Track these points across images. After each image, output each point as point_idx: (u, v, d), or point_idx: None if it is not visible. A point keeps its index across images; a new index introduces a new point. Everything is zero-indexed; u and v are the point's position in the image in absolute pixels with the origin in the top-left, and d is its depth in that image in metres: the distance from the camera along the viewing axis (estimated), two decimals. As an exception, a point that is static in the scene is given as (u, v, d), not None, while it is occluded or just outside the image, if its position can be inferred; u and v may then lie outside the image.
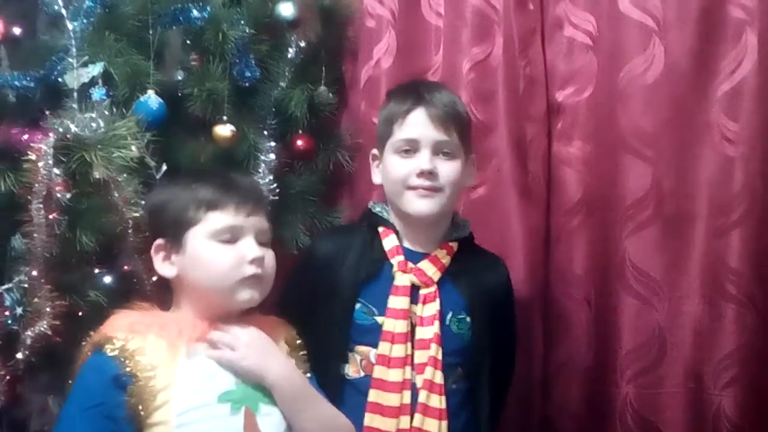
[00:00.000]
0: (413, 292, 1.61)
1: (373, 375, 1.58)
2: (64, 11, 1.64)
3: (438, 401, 1.56)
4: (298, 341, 1.54)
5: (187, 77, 1.81)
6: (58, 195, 1.49)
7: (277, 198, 1.90)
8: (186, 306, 1.44)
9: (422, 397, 1.55)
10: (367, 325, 1.61)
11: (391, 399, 1.56)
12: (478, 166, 1.86)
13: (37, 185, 1.46)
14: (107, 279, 1.61)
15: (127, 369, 1.30)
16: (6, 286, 1.52)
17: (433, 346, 1.57)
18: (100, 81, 1.64)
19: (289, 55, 1.95)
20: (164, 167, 1.67)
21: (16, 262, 1.52)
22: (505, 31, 2.00)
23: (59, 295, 1.52)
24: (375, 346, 1.59)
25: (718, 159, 1.85)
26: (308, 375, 1.51)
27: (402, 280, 1.61)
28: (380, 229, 1.68)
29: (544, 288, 2.00)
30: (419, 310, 1.60)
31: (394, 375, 1.56)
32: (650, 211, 1.89)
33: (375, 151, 1.72)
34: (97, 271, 1.61)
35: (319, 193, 2.05)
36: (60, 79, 1.63)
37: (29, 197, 1.46)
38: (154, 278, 1.55)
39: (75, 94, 1.61)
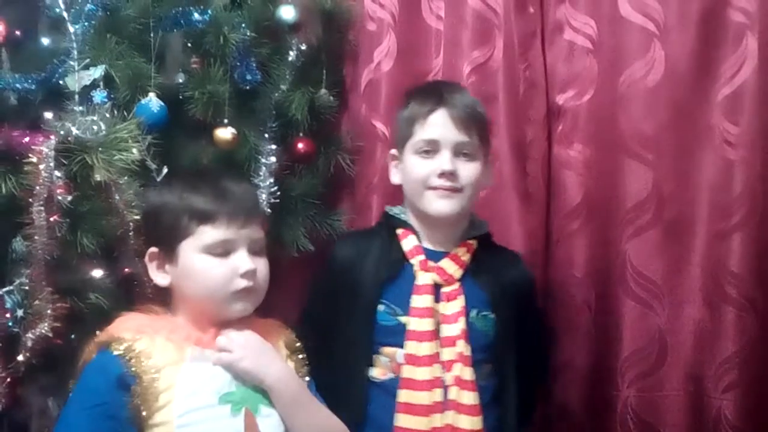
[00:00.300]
0: (435, 290, 1.61)
1: (401, 375, 1.58)
2: (65, 14, 1.64)
3: (470, 397, 1.56)
4: (297, 344, 1.54)
5: (188, 80, 1.81)
6: (59, 197, 1.49)
7: (277, 201, 1.90)
8: (182, 313, 1.44)
9: (453, 393, 1.55)
10: (392, 325, 1.62)
11: (422, 398, 1.56)
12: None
13: (38, 188, 1.46)
14: (108, 281, 1.61)
15: (132, 369, 1.30)
16: (7, 289, 1.52)
17: (460, 342, 1.58)
18: (101, 84, 1.65)
19: (290, 58, 1.95)
20: (165, 170, 1.68)
21: (17, 264, 1.52)
22: (506, 34, 2.00)
23: (60, 298, 1.52)
24: (401, 346, 1.60)
25: (718, 162, 1.85)
26: (307, 379, 1.51)
27: (424, 278, 1.62)
28: (399, 231, 1.69)
29: (544, 291, 1.99)
30: (443, 308, 1.60)
31: (423, 373, 1.56)
32: (651, 214, 1.89)
33: (394, 151, 1.72)
34: (97, 273, 1.61)
35: (319, 195, 2.05)
36: (61, 82, 1.63)
37: (30, 200, 1.46)
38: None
39: (76, 97, 1.61)
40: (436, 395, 1.56)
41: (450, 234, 1.67)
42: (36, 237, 1.47)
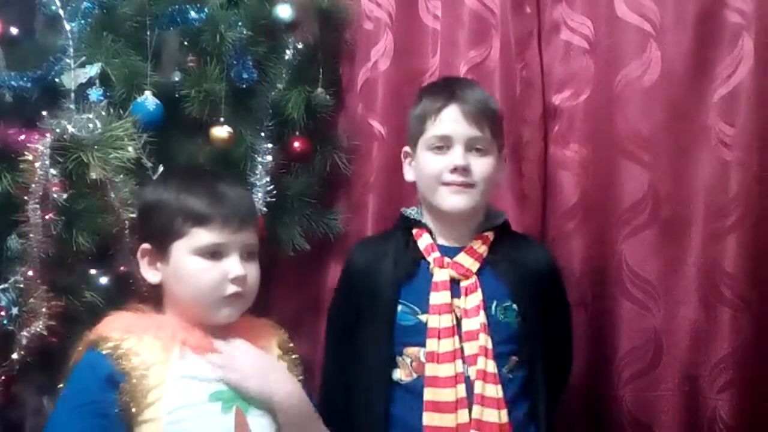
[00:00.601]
0: (454, 286, 1.60)
1: (425, 374, 1.57)
2: (61, 12, 1.64)
3: (495, 390, 1.54)
4: (290, 344, 1.54)
5: (185, 78, 1.81)
6: (55, 195, 1.49)
7: (274, 200, 1.90)
8: (171, 311, 1.44)
9: (478, 387, 1.54)
10: (412, 325, 1.61)
11: (446, 394, 1.55)
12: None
13: (33, 185, 1.46)
14: (103, 279, 1.62)
15: (120, 367, 1.30)
16: (2, 287, 1.52)
17: (482, 336, 1.56)
18: (97, 82, 1.65)
19: (287, 57, 1.95)
20: (161, 168, 1.68)
21: (12, 262, 1.52)
22: (502, 34, 2.00)
23: (55, 296, 1.52)
24: (423, 345, 1.59)
25: (714, 163, 1.85)
26: (300, 378, 1.51)
27: (440, 275, 1.61)
28: (414, 231, 1.69)
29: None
30: (462, 302, 1.59)
31: (446, 370, 1.55)
32: (646, 214, 1.89)
33: (407, 148, 1.72)
34: (93, 271, 1.61)
35: (316, 194, 2.05)
36: (57, 80, 1.63)
37: (26, 197, 1.46)
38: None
39: (72, 95, 1.61)
40: (461, 391, 1.54)
41: (465, 229, 1.66)
42: (31, 235, 1.47)
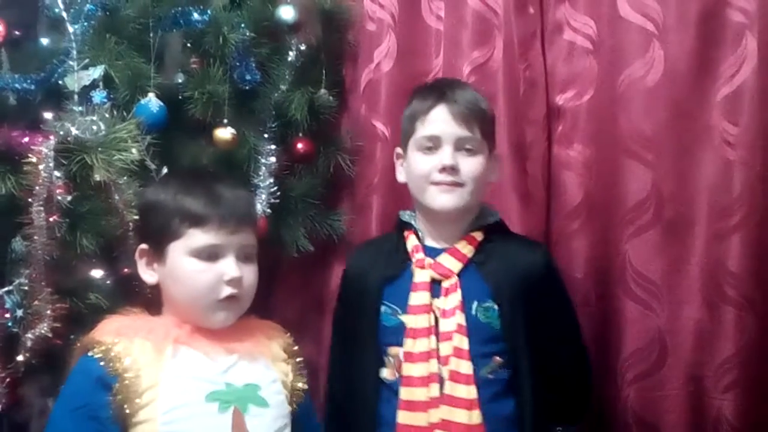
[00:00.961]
0: (435, 286, 1.61)
1: (401, 373, 1.59)
2: (65, 14, 1.64)
3: (466, 391, 1.55)
4: (295, 348, 1.55)
5: (188, 80, 1.81)
6: (59, 197, 1.49)
7: (277, 201, 1.90)
8: (168, 314, 1.45)
9: (447, 388, 1.55)
10: (394, 325, 1.63)
11: (419, 394, 1.56)
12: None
13: (37, 188, 1.46)
14: (107, 281, 1.61)
15: (112, 370, 1.31)
16: (6, 289, 1.52)
17: (456, 336, 1.57)
18: (100, 84, 1.65)
19: (290, 59, 1.96)
20: (165, 170, 1.68)
21: (17, 264, 1.53)
22: (506, 34, 2.00)
23: (59, 298, 1.52)
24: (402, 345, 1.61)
25: (718, 163, 1.84)
26: (305, 381, 1.52)
27: (421, 276, 1.62)
28: (405, 233, 1.70)
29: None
30: (441, 303, 1.60)
31: (419, 370, 1.57)
32: (650, 214, 1.89)
33: (399, 149, 1.72)
34: (97, 273, 1.61)
35: (319, 196, 2.05)
36: (61, 82, 1.63)
37: (30, 200, 1.47)
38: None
39: (76, 97, 1.62)
40: (433, 391, 1.56)
41: (455, 229, 1.66)
42: (35, 237, 1.48)
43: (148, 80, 1.69)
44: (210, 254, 1.39)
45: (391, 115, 2.07)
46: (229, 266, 1.40)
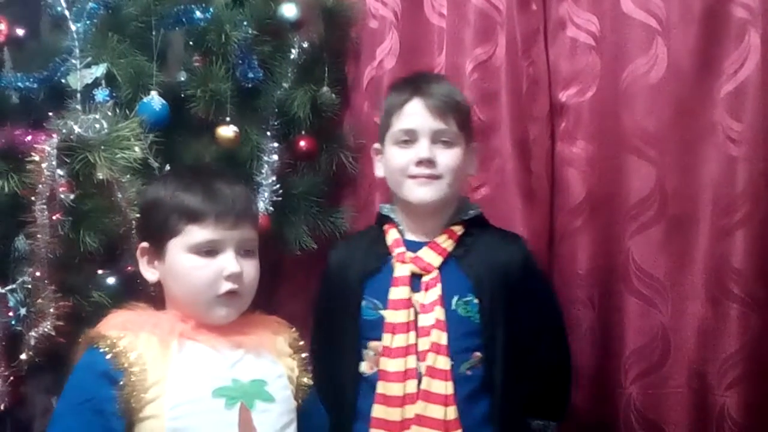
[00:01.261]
0: (415, 281, 1.61)
1: (378, 367, 1.60)
2: (67, 12, 1.65)
3: (442, 387, 1.55)
4: (300, 343, 1.54)
5: (190, 78, 1.82)
6: (62, 196, 1.49)
7: (280, 199, 1.90)
8: (171, 311, 1.44)
9: (424, 383, 1.56)
10: (374, 320, 1.63)
11: (396, 389, 1.57)
12: (481, 166, 1.87)
13: (40, 186, 1.47)
14: (110, 279, 1.62)
15: (117, 364, 1.30)
16: (10, 287, 1.52)
17: (434, 332, 1.57)
18: (103, 82, 1.65)
19: (292, 56, 1.96)
20: (167, 168, 1.68)
21: (20, 262, 1.53)
22: (508, 31, 2.00)
23: (63, 296, 1.53)
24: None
25: (721, 159, 1.84)
26: (310, 376, 1.52)
27: (401, 270, 1.62)
28: (384, 227, 1.70)
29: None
30: (421, 297, 1.60)
31: (396, 365, 1.57)
32: (654, 211, 1.89)
33: (377, 145, 1.73)
34: (100, 271, 1.62)
35: (322, 193, 2.06)
36: (63, 81, 1.64)
37: (33, 198, 1.47)
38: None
39: (78, 95, 1.62)
40: (410, 386, 1.56)
41: (434, 223, 1.67)
42: (38, 235, 1.48)
43: (150, 78, 1.70)
44: (208, 250, 1.39)
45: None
46: (228, 261, 1.39)
